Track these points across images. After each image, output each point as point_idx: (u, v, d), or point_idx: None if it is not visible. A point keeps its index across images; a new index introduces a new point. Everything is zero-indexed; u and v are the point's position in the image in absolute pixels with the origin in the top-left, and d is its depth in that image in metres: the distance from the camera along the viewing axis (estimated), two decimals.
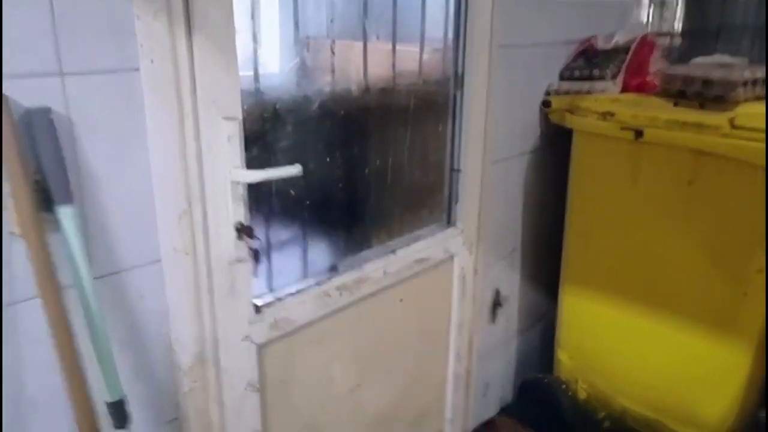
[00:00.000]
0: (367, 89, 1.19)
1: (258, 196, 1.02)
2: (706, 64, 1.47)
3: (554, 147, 1.60)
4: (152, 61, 0.80)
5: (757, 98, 1.36)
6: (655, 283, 1.41)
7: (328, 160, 1.17)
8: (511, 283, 1.69)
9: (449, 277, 1.47)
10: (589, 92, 1.53)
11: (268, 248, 1.11)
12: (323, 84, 1.11)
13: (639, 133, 1.35)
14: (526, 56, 1.50)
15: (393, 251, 1.30)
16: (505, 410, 1.77)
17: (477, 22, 1.32)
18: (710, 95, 1.35)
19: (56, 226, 0.75)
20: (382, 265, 1.26)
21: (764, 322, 1.27)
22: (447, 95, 1.38)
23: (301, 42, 1.06)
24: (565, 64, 1.61)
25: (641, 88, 1.55)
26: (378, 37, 1.18)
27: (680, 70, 1.43)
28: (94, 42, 0.77)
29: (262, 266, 1.09)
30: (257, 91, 1.01)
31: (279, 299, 1.10)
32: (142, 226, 0.87)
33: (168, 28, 0.82)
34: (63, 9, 0.73)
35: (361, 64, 1.17)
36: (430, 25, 1.30)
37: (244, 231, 0.96)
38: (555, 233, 1.60)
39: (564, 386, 1.61)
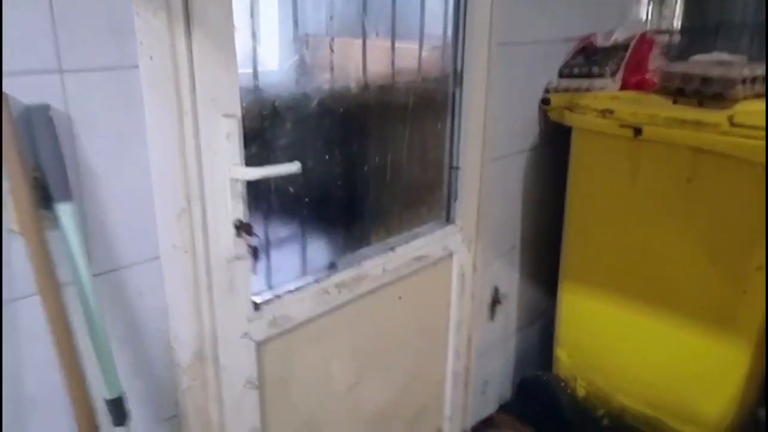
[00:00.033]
0: (366, 86, 1.19)
1: (257, 194, 1.02)
2: (705, 62, 1.47)
3: (553, 144, 1.60)
4: (151, 59, 0.80)
5: (756, 96, 1.36)
6: (654, 280, 1.41)
7: (327, 157, 1.17)
8: (510, 280, 1.69)
9: (448, 274, 1.47)
10: (588, 90, 1.53)
11: (267, 246, 1.11)
12: (322, 81, 1.11)
13: (638, 131, 1.35)
14: (525, 54, 1.49)
15: (392, 248, 1.30)
16: (503, 408, 1.78)
17: (476, 19, 1.32)
18: (709, 93, 1.35)
19: (55, 223, 0.75)
20: (381, 263, 1.27)
21: (763, 319, 1.28)
22: (446, 92, 1.38)
23: (301, 39, 1.06)
24: (565, 61, 1.61)
25: (640, 86, 1.55)
26: (377, 35, 1.18)
27: (679, 67, 1.43)
28: (94, 39, 0.77)
29: (262, 264, 1.09)
30: (256, 89, 1.00)
31: (278, 297, 1.10)
32: (141, 224, 0.87)
33: (167, 25, 0.82)
34: (62, 6, 0.73)
35: (361, 62, 1.17)
36: (430, 22, 1.30)
37: (243, 228, 0.96)
38: (554, 231, 1.60)
39: (563, 384, 1.61)
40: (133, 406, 0.87)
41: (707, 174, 1.28)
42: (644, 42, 1.57)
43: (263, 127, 1.04)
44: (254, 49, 0.99)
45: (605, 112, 1.40)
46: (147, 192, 0.86)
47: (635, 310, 1.45)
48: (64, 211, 0.75)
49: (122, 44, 0.79)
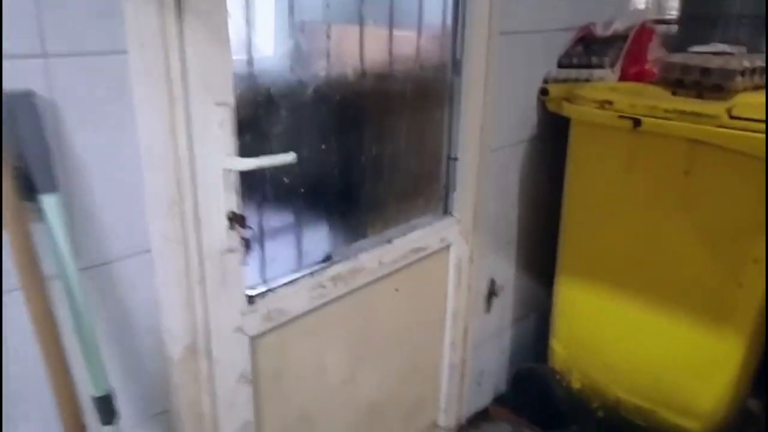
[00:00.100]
0: (363, 74, 1.16)
1: (251, 184, 1.00)
2: (704, 53, 1.45)
3: (551, 136, 1.59)
4: (141, 44, 0.77)
5: (756, 88, 1.35)
6: (651, 273, 1.41)
7: (323, 147, 1.14)
8: (507, 272, 1.68)
9: (445, 266, 1.46)
10: (587, 80, 1.52)
11: (262, 238, 1.08)
12: (318, 69, 1.08)
13: (637, 122, 1.33)
14: (524, 43, 1.47)
15: (389, 241, 1.28)
16: (499, 399, 1.78)
17: (476, 8, 1.30)
18: (708, 84, 1.34)
19: (40, 215, 0.72)
20: (377, 255, 1.25)
21: (758, 311, 1.28)
22: (444, 82, 1.36)
23: (296, 25, 1.03)
24: (564, 51, 1.59)
25: (639, 77, 1.53)
26: (375, 22, 1.15)
27: (678, 58, 1.42)
28: (80, 22, 0.73)
29: (256, 256, 1.07)
30: (250, 76, 0.97)
31: (272, 290, 1.08)
32: (130, 215, 0.84)
33: (158, 9, 0.78)
34: None
35: (358, 49, 1.14)
36: (428, 9, 1.27)
37: (236, 220, 0.93)
38: (551, 223, 1.59)
39: (558, 376, 1.61)
40: (122, 401, 0.85)
41: (705, 166, 1.28)
42: (644, 32, 1.55)
43: (257, 116, 1.01)
44: (248, 35, 0.95)
45: (604, 103, 1.38)
46: (137, 182, 0.83)
47: (631, 303, 1.45)
48: (50, 202, 0.72)
49: (110, 28, 0.76)
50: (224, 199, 0.92)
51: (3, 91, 0.68)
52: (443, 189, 1.44)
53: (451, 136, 1.39)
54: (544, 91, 1.54)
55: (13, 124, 0.69)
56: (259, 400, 1.10)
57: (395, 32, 1.20)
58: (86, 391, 0.79)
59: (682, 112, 1.27)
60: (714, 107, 1.23)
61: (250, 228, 0.97)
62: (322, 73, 1.09)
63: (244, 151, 0.92)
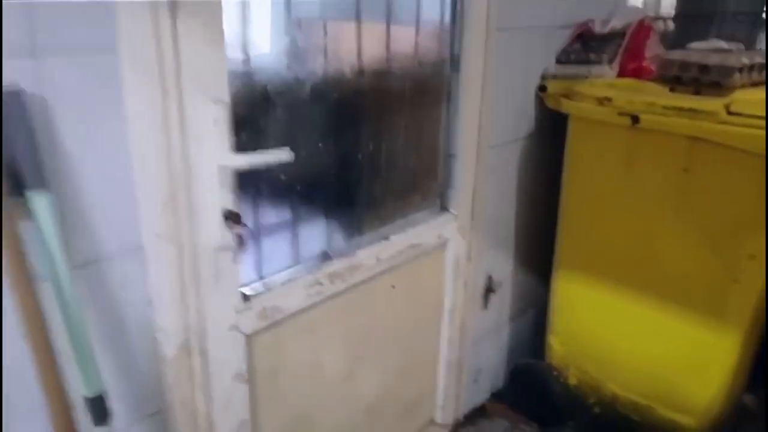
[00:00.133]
0: (360, 71, 1.15)
1: (246, 181, 0.98)
2: (702, 50, 1.45)
3: (549, 132, 1.58)
4: (132, 39, 0.75)
5: (754, 84, 1.34)
6: (648, 270, 1.40)
7: (319, 144, 1.13)
8: (504, 269, 1.68)
9: (442, 263, 1.45)
10: (586, 77, 1.51)
11: (258, 235, 1.07)
12: (315, 66, 1.06)
13: (635, 119, 1.33)
14: (522, 40, 1.46)
15: (386, 237, 1.28)
16: (496, 396, 1.78)
17: (474, 4, 1.28)
18: (706, 81, 1.33)
19: (29, 213, 0.71)
20: (375, 252, 1.24)
21: (754, 308, 1.28)
22: (442, 78, 1.34)
23: (293, 22, 1.01)
24: (562, 48, 1.58)
25: (637, 73, 1.53)
26: (372, 18, 1.13)
27: (677, 55, 1.41)
28: (71, 18, 0.72)
29: (251, 254, 1.05)
30: (246, 73, 0.96)
31: (268, 288, 1.07)
32: (122, 213, 0.83)
33: (150, 4, 0.77)
34: None
35: (355, 46, 1.12)
36: (426, 6, 1.26)
37: (231, 217, 0.92)
38: (549, 219, 1.58)
39: (555, 372, 1.61)
40: (115, 401, 0.84)
41: (703, 163, 1.27)
42: (642, 29, 1.54)
43: (254, 113, 0.99)
44: (244, 32, 0.94)
45: (603, 100, 1.38)
46: (129, 179, 0.82)
47: (628, 299, 1.45)
48: (39, 199, 0.70)
49: (101, 22, 0.74)
50: (219, 196, 0.90)
51: None
52: (441, 186, 1.43)
53: (448, 133, 1.38)
54: (542, 88, 1.53)
55: (2, 119, 0.67)
56: (255, 399, 1.09)
57: (393, 28, 1.19)
58: (78, 391, 0.77)
59: (681, 109, 1.26)
60: (712, 104, 1.23)
61: (245, 225, 0.95)
62: (319, 71, 1.07)
63: (240, 148, 0.91)
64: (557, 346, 1.62)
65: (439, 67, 1.33)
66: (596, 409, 1.55)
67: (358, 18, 1.11)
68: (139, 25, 0.76)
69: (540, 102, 1.55)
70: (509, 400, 1.73)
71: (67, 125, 0.75)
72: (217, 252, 0.94)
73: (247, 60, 0.95)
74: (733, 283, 1.28)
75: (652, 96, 1.34)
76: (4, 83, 0.67)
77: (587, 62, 1.52)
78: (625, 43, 1.52)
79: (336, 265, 1.17)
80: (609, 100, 1.37)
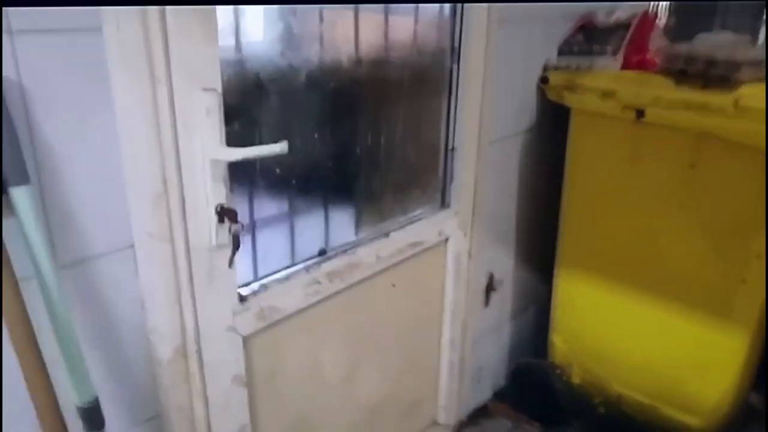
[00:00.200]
0: (358, 61, 1.11)
1: (240, 176, 0.95)
2: (708, 42, 1.41)
3: (551, 125, 1.55)
4: (117, 22, 0.71)
5: (762, 79, 1.31)
6: (653, 267, 1.38)
7: (315, 136, 1.09)
8: (505, 266, 1.65)
9: (443, 260, 1.42)
10: (589, 68, 1.47)
11: (253, 232, 1.04)
12: (311, 54, 1.03)
13: (640, 113, 1.30)
14: (523, 31, 1.43)
15: (386, 234, 1.24)
16: (498, 395, 1.75)
17: None
18: (714, 75, 1.30)
19: (11, 210, 0.67)
20: (374, 249, 1.21)
21: (762, 308, 1.25)
22: (443, 69, 1.31)
23: (287, 8, 0.97)
24: (564, 40, 1.55)
25: (642, 66, 1.49)
26: (370, 5, 1.10)
27: (682, 47, 1.38)
28: None
29: (247, 252, 1.02)
30: (239, 61, 0.92)
31: (265, 287, 1.03)
32: (111, 209, 0.79)
33: None
34: None
35: (352, 34, 1.08)
36: None
37: (225, 214, 0.88)
38: (551, 215, 1.55)
39: (558, 371, 1.58)
40: (109, 407, 0.80)
41: (710, 159, 1.24)
42: (646, 20, 1.51)
43: (247, 103, 0.95)
44: (237, 17, 0.90)
45: (606, 93, 1.35)
46: (117, 173, 0.78)
47: (633, 298, 1.43)
48: (21, 195, 0.66)
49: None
50: (212, 191, 0.86)
51: None
52: (441, 181, 1.39)
53: (449, 126, 1.35)
54: (544, 79, 1.49)
55: None
56: (254, 402, 1.05)
57: (392, 17, 1.15)
58: (69, 397, 0.74)
59: (688, 103, 1.23)
60: (720, 98, 1.20)
61: (240, 223, 0.92)
62: (315, 59, 1.03)
63: (233, 141, 0.87)
64: (560, 344, 1.60)
65: (438, 57, 1.29)
66: (601, 409, 1.53)
67: (355, 4, 1.07)
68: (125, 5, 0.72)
69: (542, 94, 1.52)
70: (511, 399, 1.71)
71: (49, 115, 0.70)
72: (211, 251, 0.90)
73: (239, 47, 0.91)
74: (740, 283, 1.25)
75: (658, 90, 1.31)
76: None
77: (590, 54, 1.49)
78: (629, 34, 1.49)
79: (335, 263, 1.13)
80: (613, 93, 1.34)
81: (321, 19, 1.02)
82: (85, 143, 0.74)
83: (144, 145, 0.78)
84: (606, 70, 1.46)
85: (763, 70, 1.31)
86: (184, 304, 0.89)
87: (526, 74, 1.49)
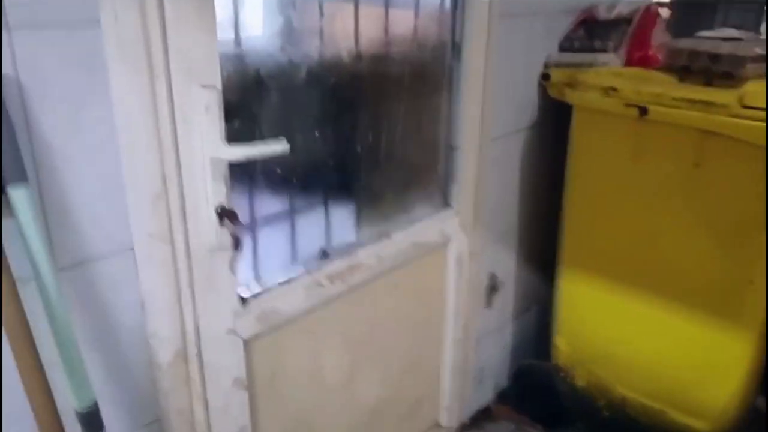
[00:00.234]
0: (358, 56, 1.10)
1: (240, 175, 0.93)
2: (712, 38, 1.40)
3: (553, 123, 1.53)
4: (116, 16, 0.70)
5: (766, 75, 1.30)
6: (657, 268, 1.36)
7: (316, 134, 1.07)
8: (508, 266, 1.63)
9: (445, 261, 1.41)
10: (591, 65, 1.46)
11: (254, 233, 1.02)
12: (311, 49, 1.01)
13: (643, 111, 1.28)
14: (524, 26, 1.41)
15: (387, 235, 1.23)
16: (500, 396, 1.74)
17: None
18: (718, 71, 1.28)
19: (9, 210, 0.65)
20: (376, 250, 1.19)
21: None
22: (443, 65, 1.29)
23: (287, 2, 0.96)
24: (565, 35, 1.53)
25: (644, 62, 1.48)
26: (370, 0, 1.08)
27: (685, 43, 1.36)
28: None
29: (248, 254, 1.00)
30: (238, 56, 0.90)
31: (266, 289, 1.02)
32: (111, 209, 0.77)
33: None
34: None
35: (353, 28, 1.07)
36: None
37: (226, 215, 0.87)
38: (552, 214, 1.54)
39: (562, 373, 1.57)
40: (108, 411, 0.79)
41: (715, 158, 1.23)
42: (648, 15, 1.50)
43: (246, 100, 0.94)
44: (235, 12, 0.88)
45: (608, 90, 1.33)
46: (116, 172, 0.77)
47: (637, 299, 1.41)
48: (19, 195, 0.65)
49: None
50: (212, 191, 0.85)
51: None
52: (442, 180, 1.38)
53: (450, 123, 1.33)
54: (545, 76, 1.48)
55: None
56: (255, 405, 1.04)
57: (392, 12, 1.13)
58: (68, 401, 0.72)
59: (692, 101, 1.22)
60: (725, 96, 1.18)
61: (241, 223, 0.90)
62: (315, 54, 1.02)
63: (233, 139, 0.85)
64: (563, 346, 1.58)
65: (439, 52, 1.28)
66: (605, 412, 1.51)
67: None
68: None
69: (543, 91, 1.51)
70: (514, 400, 1.69)
71: (47, 112, 0.69)
72: (211, 252, 0.89)
73: (238, 42, 0.90)
74: (747, 284, 1.23)
75: (661, 86, 1.29)
76: None
77: (592, 50, 1.48)
78: (631, 30, 1.48)
79: (336, 264, 1.12)
80: (615, 90, 1.32)
81: (321, 12, 1.00)
82: (84, 141, 0.73)
83: (143, 142, 0.77)
84: (608, 67, 1.45)
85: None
86: (184, 306, 0.88)
87: (527, 69, 1.48)
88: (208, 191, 0.85)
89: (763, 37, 1.54)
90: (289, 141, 0.84)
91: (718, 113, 1.18)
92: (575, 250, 1.51)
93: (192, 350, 0.91)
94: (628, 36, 1.47)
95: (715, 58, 1.29)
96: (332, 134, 1.10)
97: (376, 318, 1.26)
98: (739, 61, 1.25)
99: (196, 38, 0.78)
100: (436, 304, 1.43)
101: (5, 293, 0.64)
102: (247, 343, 0.99)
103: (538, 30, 1.46)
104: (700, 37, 1.41)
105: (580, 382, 1.55)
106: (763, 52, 1.28)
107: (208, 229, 0.87)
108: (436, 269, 1.40)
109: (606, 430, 1.51)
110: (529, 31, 1.43)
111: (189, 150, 0.81)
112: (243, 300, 0.97)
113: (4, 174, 0.64)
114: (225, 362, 0.96)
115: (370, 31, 1.10)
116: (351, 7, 1.06)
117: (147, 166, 0.78)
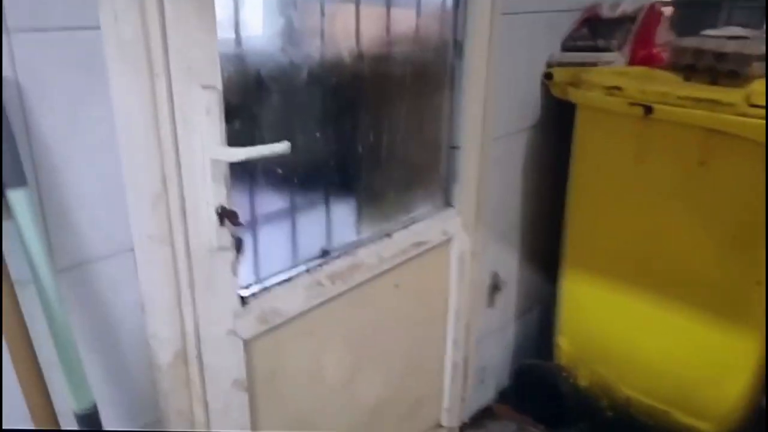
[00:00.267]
0: (359, 55, 1.09)
1: (240, 175, 0.93)
2: (717, 37, 1.39)
3: (556, 122, 1.53)
4: (115, 18, 0.69)
5: None
6: (662, 267, 1.35)
7: (317, 134, 1.07)
8: (510, 265, 1.63)
9: (447, 261, 1.40)
10: (594, 64, 1.45)
11: (254, 234, 1.01)
12: (312, 50, 1.00)
13: (648, 110, 1.27)
14: (526, 24, 1.40)
15: (388, 234, 1.22)
16: (502, 395, 1.73)
17: None
18: (723, 70, 1.27)
19: (8, 213, 0.65)
20: (377, 250, 1.19)
21: None
22: (445, 65, 1.29)
23: (288, 1, 0.95)
24: (567, 34, 1.52)
25: (648, 61, 1.47)
26: None
27: (690, 42, 1.35)
28: None
29: (248, 254, 1.00)
30: (238, 57, 0.90)
31: (266, 290, 1.01)
32: (110, 211, 0.77)
33: None
34: None
35: (354, 28, 1.06)
36: None
37: (226, 215, 0.86)
38: (555, 213, 1.53)
39: (564, 373, 1.56)
40: (107, 413, 0.79)
41: (721, 157, 1.22)
42: (653, 13, 1.49)
43: (246, 101, 0.93)
44: (236, 12, 0.88)
45: (612, 89, 1.32)
46: (116, 173, 0.76)
47: (641, 298, 1.40)
48: (18, 198, 0.64)
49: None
50: (213, 192, 0.85)
51: None
52: (444, 179, 1.37)
53: (452, 123, 1.33)
54: (548, 75, 1.47)
55: None
56: (255, 406, 1.04)
57: (393, 10, 1.13)
58: (67, 404, 0.72)
59: (697, 100, 1.21)
60: (731, 94, 1.17)
61: (242, 224, 0.90)
62: (316, 54, 1.01)
63: (233, 140, 0.85)
64: (566, 346, 1.57)
65: (440, 51, 1.27)
66: (608, 412, 1.50)
67: None
68: (122, 1, 0.70)
69: (545, 90, 1.50)
70: (515, 400, 1.69)
71: (46, 114, 0.68)
72: (212, 253, 0.88)
73: (239, 42, 0.89)
74: (754, 285, 1.22)
75: (666, 85, 1.28)
76: None
77: (595, 49, 1.47)
78: (635, 28, 1.47)
79: (337, 264, 1.11)
80: (619, 89, 1.31)
81: (322, 12, 1.00)
82: (84, 141, 0.73)
83: (143, 143, 0.76)
84: (611, 66, 1.44)
85: None
86: (184, 307, 0.87)
87: (530, 69, 1.47)
88: (209, 192, 0.84)
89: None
90: (291, 141, 0.84)
91: (725, 112, 1.17)
92: (578, 249, 1.50)
93: (192, 351, 0.90)
94: (632, 34, 1.46)
95: (720, 56, 1.28)
96: (333, 134, 1.10)
97: (376, 318, 1.26)
98: (745, 59, 1.24)
99: (196, 38, 0.78)
100: (438, 303, 1.43)
101: (4, 295, 0.64)
102: (247, 344, 0.99)
103: (541, 28, 1.45)
104: (704, 36, 1.40)
105: (583, 382, 1.55)
106: None
107: (208, 230, 0.86)
108: (437, 269, 1.39)
109: (609, 430, 1.50)
110: (532, 29, 1.42)
111: (189, 151, 0.81)
112: (243, 300, 0.97)
113: (4, 178, 0.63)
114: (225, 363, 0.96)
115: (372, 31, 1.09)
116: (352, 7, 1.05)
117: (147, 167, 0.78)
